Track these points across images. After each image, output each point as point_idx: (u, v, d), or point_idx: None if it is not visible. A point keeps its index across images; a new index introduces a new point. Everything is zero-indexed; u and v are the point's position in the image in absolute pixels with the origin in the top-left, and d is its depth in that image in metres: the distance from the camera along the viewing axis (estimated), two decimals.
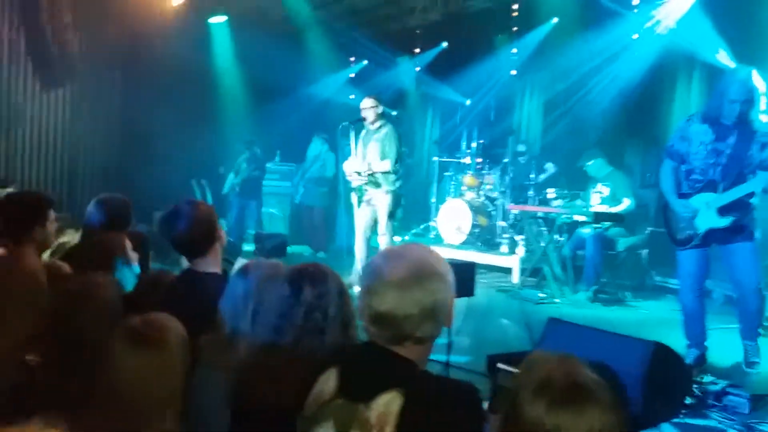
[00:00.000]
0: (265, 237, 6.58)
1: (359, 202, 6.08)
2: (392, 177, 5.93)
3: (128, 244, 2.97)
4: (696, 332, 4.12)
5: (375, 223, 6.05)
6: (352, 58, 10.93)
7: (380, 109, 6.02)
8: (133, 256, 2.96)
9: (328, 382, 1.48)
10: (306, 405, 1.50)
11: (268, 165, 9.54)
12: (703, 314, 4.13)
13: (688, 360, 3.99)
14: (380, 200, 5.96)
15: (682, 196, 3.99)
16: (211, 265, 2.46)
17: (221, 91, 9.35)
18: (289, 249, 7.86)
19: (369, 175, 5.92)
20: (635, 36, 7.95)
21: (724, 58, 7.04)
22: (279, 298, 1.79)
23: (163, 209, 6.53)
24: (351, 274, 6.12)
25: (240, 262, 2.72)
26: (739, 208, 3.81)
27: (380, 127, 6.01)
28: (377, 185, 5.94)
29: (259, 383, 1.72)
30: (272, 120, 9.12)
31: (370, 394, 1.40)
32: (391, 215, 5.98)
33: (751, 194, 3.83)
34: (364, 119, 6.05)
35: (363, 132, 6.16)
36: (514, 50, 9.34)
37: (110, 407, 1.55)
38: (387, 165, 5.88)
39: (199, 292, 2.29)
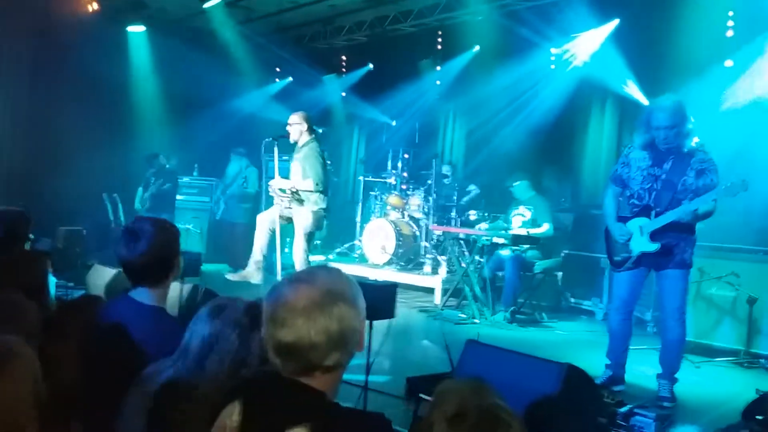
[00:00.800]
0: None
1: (280, 217, 5.98)
2: (315, 196, 5.85)
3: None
4: (617, 353, 4.21)
5: (282, 230, 5.94)
6: (277, 75, 10.83)
7: (304, 127, 5.93)
8: None
9: (232, 416, 1.40)
10: None
11: (186, 179, 9.26)
12: (628, 337, 4.19)
13: (602, 379, 4.11)
14: (301, 216, 5.86)
15: (621, 219, 4.08)
16: (158, 298, 2.19)
17: (138, 102, 9.01)
18: (206, 267, 7.60)
19: (293, 193, 5.83)
20: (552, 67, 8.31)
21: (634, 90, 7.46)
22: (227, 351, 1.68)
23: (71, 224, 6.22)
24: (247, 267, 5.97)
25: None
26: (673, 232, 3.86)
27: (303, 145, 5.94)
28: (301, 202, 5.86)
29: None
30: (191, 133, 8.88)
31: (276, 428, 1.33)
32: (310, 236, 5.89)
33: (689, 217, 3.84)
34: (288, 135, 5.97)
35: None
36: (438, 82, 9.55)
37: None
38: (309, 184, 5.80)
39: (132, 325, 2.02)
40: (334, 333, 1.37)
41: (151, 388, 1.73)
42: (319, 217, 5.91)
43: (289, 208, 5.92)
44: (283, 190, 5.87)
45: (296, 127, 5.91)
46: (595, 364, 4.26)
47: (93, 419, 1.85)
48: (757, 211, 5.54)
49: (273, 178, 6.08)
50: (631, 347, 4.67)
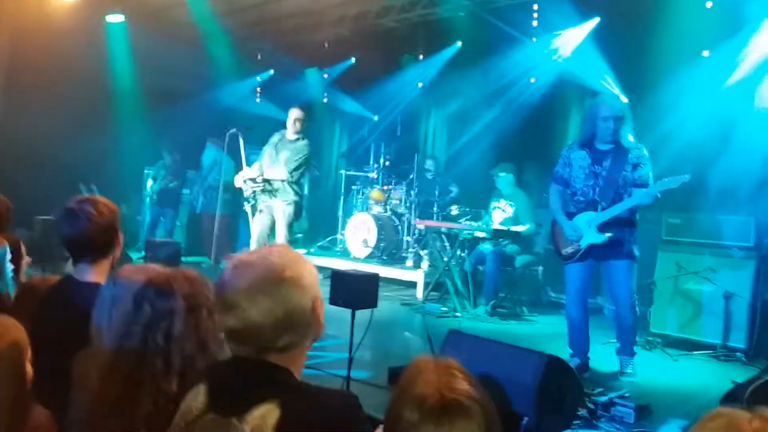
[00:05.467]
0: (156, 244, 6.20)
1: (253, 211, 5.94)
2: (295, 187, 5.85)
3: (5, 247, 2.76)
4: (579, 342, 4.42)
5: (272, 232, 5.93)
6: (258, 68, 10.74)
7: (303, 125, 5.96)
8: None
9: (197, 398, 1.38)
10: (171, 425, 1.40)
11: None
12: (586, 325, 4.44)
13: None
14: (280, 209, 5.84)
15: (569, 215, 4.36)
16: (97, 274, 2.23)
17: (117, 92, 8.83)
18: (186, 259, 7.53)
19: (264, 182, 5.79)
20: (534, 63, 8.35)
21: (612, 87, 7.54)
22: (121, 313, 1.63)
23: (47, 213, 6.08)
24: None
25: None
26: (617, 225, 4.18)
27: (297, 138, 5.94)
28: (272, 193, 5.82)
29: (101, 407, 1.57)
30: (171, 124, 8.73)
31: (243, 407, 1.31)
32: (290, 226, 5.88)
33: (629, 212, 4.19)
34: (285, 126, 5.98)
35: (277, 137, 6.03)
36: (420, 79, 9.57)
37: None
38: (281, 173, 5.77)
39: (76, 302, 2.08)
40: (279, 315, 1.34)
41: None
42: (299, 207, 5.94)
43: (258, 199, 5.88)
44: (253, 180, 5.82)
45: (298, 122, 5.92)
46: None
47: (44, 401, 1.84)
48: (732, 206, 5.63)
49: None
50: (610, 341, 4.78)
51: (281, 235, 5.82)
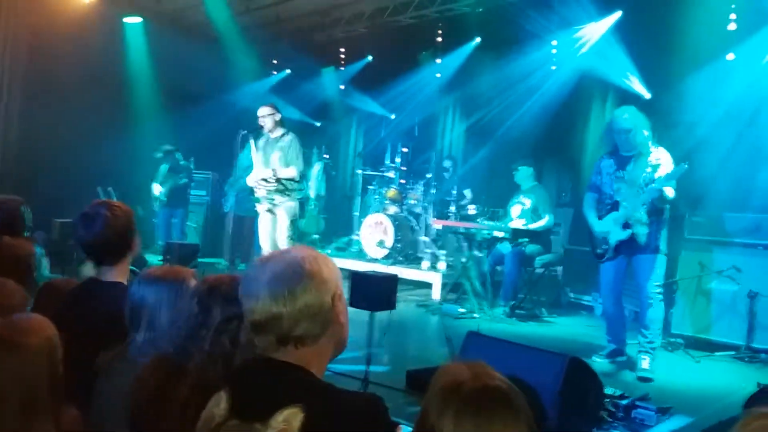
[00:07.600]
0: (175, 246, 6.23)
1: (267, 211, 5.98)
2: (298, 184, 5.88)
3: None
4: (615, 330, 4.72)
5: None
6: (275, 68, 10.75)
7: (278, 117, 5.92)
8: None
9: (219, 404, 1.37)
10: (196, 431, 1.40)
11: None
12: (622, 318, 4.75)
13: (606, 351, 4.69)
14: (286, 207, 5.87)
15: (600, 218, 4.66)
16: (118, 274, 2.33)
17: (134, 94, 8.90)
18: (203, 260, 7.57)
19: (277, 181, 5.80)
20: (554, 64, 8.25)
21: (636, 84, 7.42)
22: (187, 317, 1.66)
23: (65, 217, 6.14)
24: None
25: None
26: (638, 222, 4.38)
27: (282, 135, 5.91)
28: (284, 192, 5.84)
29: (157, 408, 1.59)
30: (188, 126, 8.76)
31: (266, 411, 1.30)
32: (293, 223, 5.91)
33: (655, 209, 4.38)
34: (261, 127, 5.94)
35: (262, 140, 6.03)
36: (438, 74, 9.51)
37: None
38: (293, 172, 5.80)
39: (100, 302, 2.19)
40: (297, 305, 1.37)
41: (131, 364, 1.77)
42: (301, 204, 6.04)
43: (272, 199, 5.89)
44: (266, 180, 5.83)
45: (270, 117, 5.88)
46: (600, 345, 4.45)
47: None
48: (757, 205, 5.52)
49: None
50: (630, 341, 4.71)
51: (283, 233, 5.83)
